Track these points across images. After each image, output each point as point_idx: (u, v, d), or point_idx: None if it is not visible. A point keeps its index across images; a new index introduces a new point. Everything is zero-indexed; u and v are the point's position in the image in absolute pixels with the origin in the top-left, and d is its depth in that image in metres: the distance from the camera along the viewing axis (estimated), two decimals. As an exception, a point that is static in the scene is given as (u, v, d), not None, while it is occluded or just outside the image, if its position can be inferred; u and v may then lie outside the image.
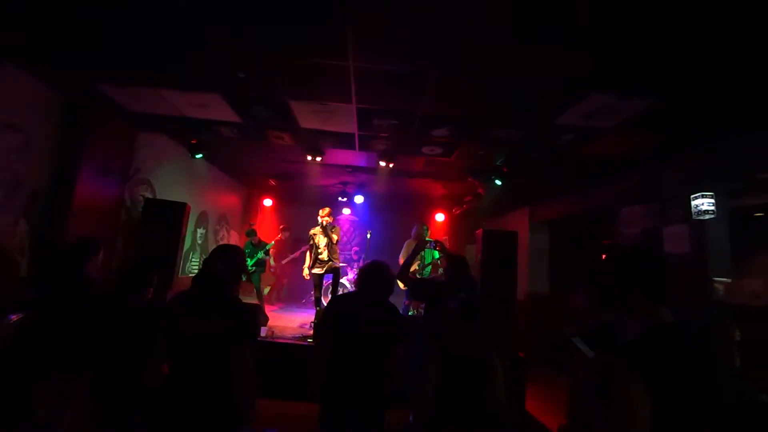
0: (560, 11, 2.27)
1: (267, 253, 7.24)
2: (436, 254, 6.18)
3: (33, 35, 3.01)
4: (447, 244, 5.03)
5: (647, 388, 1.33)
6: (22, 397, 2.37)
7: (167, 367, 2.10)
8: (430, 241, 3.99)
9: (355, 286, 2.81)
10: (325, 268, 6.00)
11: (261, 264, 7.19)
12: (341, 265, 6.25)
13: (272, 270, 9.44)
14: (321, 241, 6.04)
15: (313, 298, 8.46)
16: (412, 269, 4.74)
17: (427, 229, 6.63)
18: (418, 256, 6.05)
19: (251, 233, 7.31)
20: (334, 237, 6.04)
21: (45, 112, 3.88)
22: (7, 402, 2.36)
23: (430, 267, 6.35)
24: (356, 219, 10.54)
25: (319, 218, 6.01)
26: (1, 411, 2.34)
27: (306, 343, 4.86)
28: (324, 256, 5.99)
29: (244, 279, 6.47)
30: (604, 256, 1.73)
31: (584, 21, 2.33)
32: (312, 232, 6.13)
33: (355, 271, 7.53)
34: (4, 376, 2.39)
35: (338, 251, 6.18)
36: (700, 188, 3.89)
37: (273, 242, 7.44)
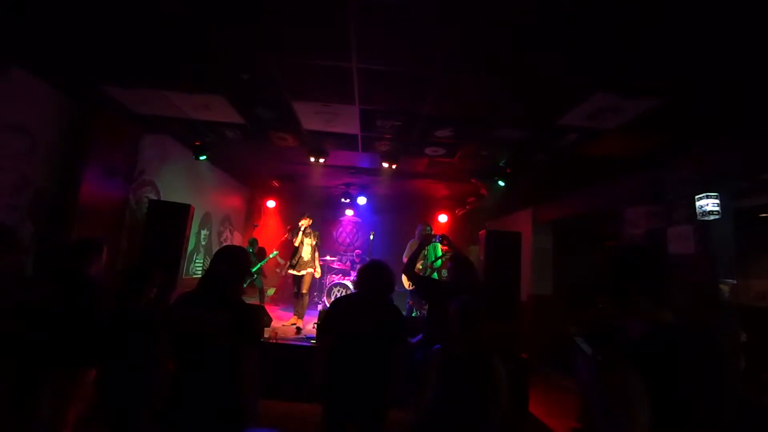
0: (563, 14, 2.27)
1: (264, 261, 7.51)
2: (439, 251, 6.18)
3: (38, 38, 3.04)
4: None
5: (648, 387, 1.33)
6: (24, 396, 2.38)
7: (172, 367, 2.11)
8: (436, 236, 3.99)
9: (355, 287, 2.81)
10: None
11: (261, 271, 7.43)
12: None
13: (278, 270, 9.46)
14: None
15: (316, 299, 8.53)
16: (415, 269, 4.74)
17: (431, 229, 6.64)
18: (422, 254, 6.06)
19: (253, 242, 7.61)
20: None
21: (50, 113, 3.91)
22: (10, 401, 2.37)
23: (433, 267, 6.34)
24: (359, 220, 10.55)
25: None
26: (4, 410, 2.36)
27: (309, 344, 4.86)
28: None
29: (248, 281, 6.55)
30: (607, 258, 1.73)
31: (588, 21, 2.33)
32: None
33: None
34: (8, 376, 2.40)
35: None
36: (705, 188, 3.86)
37: (275, 252, 7.75)
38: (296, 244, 6.60)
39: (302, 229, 6.59)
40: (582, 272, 6.59)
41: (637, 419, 1.33)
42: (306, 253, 6.61)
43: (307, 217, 6.76)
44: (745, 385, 3.54)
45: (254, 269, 7.00)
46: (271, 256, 7.50)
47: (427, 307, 3.60)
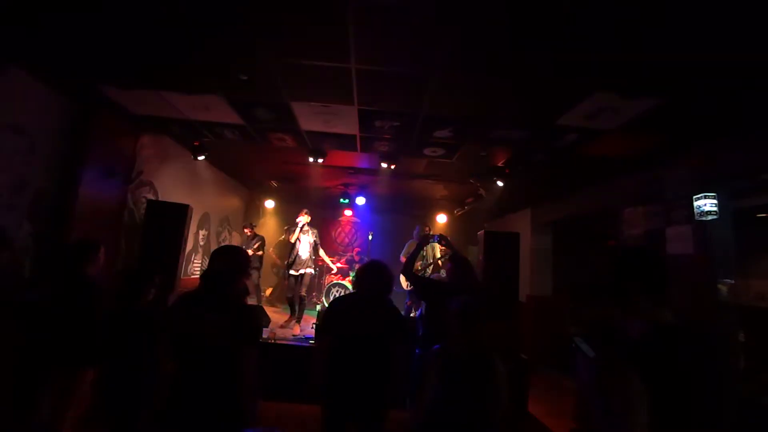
0: (561, 14, 2.28)
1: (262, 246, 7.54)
2: (438, 253, 6.18)
3: (36, 38, 3.03)
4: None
5: (648, 387, 1.33)
6: (24, 396, 2.37)
7: (172, 367, 2.10)
8: (434, 236, 3.99)
9: (354, 287, 2.81)
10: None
11: (258, 261, 7.34)
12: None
13: (274, 271, 9.46)
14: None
15: (315, 299, 8.51)
16: (414, 269, 4.73)
17: (430, 230, 6.65)
18: (421, 254, 6.06)
19: (248, 226, 7.75)
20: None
21: (49, 114, 3.90)
22: (10, 401, 2.37)
23: (431, 266, 6.34)
24: (358, 220, 10.55)
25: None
26: (4, 410, 2.35)
27: (308, 345, 4.85)
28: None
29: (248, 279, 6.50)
30: (607, 259, 1.74)
31: (587, 21, 2.33)
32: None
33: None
34: (7, 376, 2.40)
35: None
36: (703, 189, 3.87)
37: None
38: (292, 240, 6.06)
39: (300, 225, 6.08)
40: (581, 272, 6.59)
41: (637, 419, 1.33)
42: (304, 251, 6.05)
43: (306, 212, 6.20)
44: (744, 385, 3.54)
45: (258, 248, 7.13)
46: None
47: (423, 307, 3.59)
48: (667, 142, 4.04)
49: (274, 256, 9.12)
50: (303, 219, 6.11)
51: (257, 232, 7.93)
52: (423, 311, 3.43)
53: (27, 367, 2.39)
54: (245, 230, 7.83)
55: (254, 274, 7.28)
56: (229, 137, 5.12)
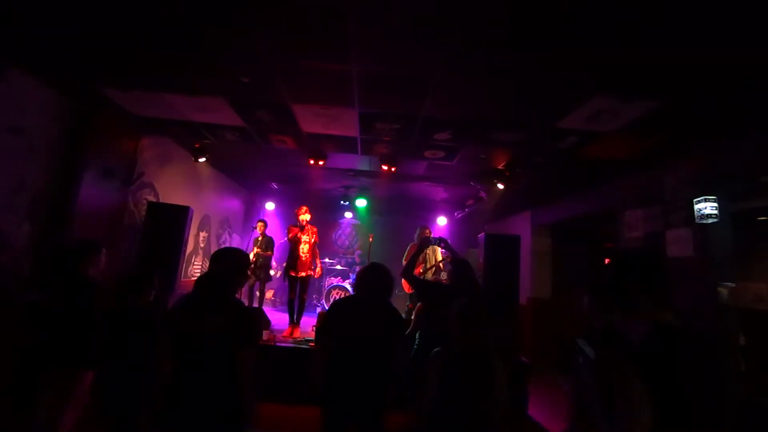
0: (561, 14, 2.28)
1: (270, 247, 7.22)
2: (440, 256, 6.17)
3: (36, 39, 3.04)
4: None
5: (650, 389, 1.32)
6: (24, 396, 2.37)
7: (171, 368, 2.10)
8: (434, 238, 4.00)
9: (354, 289, 2.81)
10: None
11: (268, 262, 7.09)
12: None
13: (272, 272, 9.43)
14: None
15: (315, 302, 8.49)
16: (415, 272, 4.74)
17: (430, 232, 6.63)
18: (421, 257, 6.05)
19: (263, 220, 7.29)
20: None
21: (49, 115, 3.90)
22: (9, 401, 2.36)
23: (433, 269, 6.33)
24: (358, 223, 10.55)
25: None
26: (4, 410, 2.35)
27: (308, 347, 4.84)
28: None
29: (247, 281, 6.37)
30: (608, 260, 1.74)
31: (587, 21, 2.34)
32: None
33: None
34: (6, 376, 2.39)
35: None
36: (702, 191, 3.87)
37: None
38: (295, 237, 5.69)
39: (301, 224, 5.73)
40: (581, 275, 6.58)
41: (637, 419, 1.33)
42: (305, 252, 5.72)
43: (307, 210, 5.80)
44: (744, 385, 3.53)
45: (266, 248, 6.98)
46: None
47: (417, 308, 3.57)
48: (666, 143, 4.05)
49: (274, 261, 9.10)
50: (304, 217, 5.78)
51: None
52: (414, 316, 3.37)
53: (27, 367, 2.39)
54: (259, 225, 7.16)
55: (261, 275, 6.99)
56: (229, 139, 5.13)
